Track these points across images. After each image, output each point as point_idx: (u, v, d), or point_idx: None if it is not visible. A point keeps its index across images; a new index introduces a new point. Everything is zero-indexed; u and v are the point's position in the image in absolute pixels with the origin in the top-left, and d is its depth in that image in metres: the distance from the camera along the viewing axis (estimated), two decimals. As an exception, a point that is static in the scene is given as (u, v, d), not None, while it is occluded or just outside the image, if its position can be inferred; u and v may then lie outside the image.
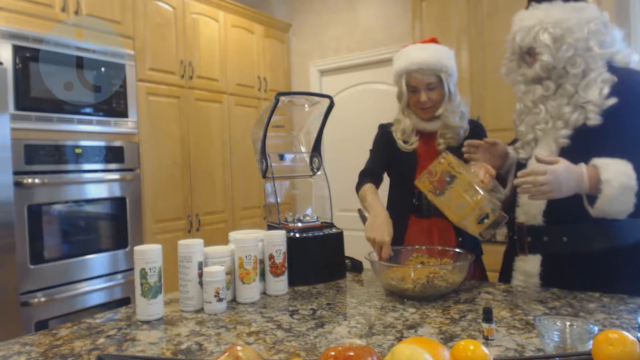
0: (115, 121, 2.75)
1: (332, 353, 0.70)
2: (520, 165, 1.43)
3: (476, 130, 1.71)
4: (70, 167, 2.53)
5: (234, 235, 1.40)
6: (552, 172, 1.14)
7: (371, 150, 1.85)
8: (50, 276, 2.42)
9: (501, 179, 1.52)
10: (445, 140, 1.66)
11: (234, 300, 1.32)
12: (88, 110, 2.61)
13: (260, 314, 1.20)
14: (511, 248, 1.48)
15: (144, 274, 1.16)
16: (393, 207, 1.74)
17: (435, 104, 1.63)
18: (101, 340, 1.03)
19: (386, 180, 1.82)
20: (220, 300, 1.21)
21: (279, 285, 1.39)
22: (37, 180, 2.35)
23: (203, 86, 3.37)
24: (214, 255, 1.30)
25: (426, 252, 1.47)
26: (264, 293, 1.39)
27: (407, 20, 3.53)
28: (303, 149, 1.82)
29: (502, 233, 2.49)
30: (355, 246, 1.93)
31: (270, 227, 1.60)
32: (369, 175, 1.77)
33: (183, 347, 0.98)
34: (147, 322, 1.15)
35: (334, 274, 1.53)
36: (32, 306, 2.32)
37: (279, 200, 1.61)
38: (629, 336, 0.74)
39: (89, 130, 2.62)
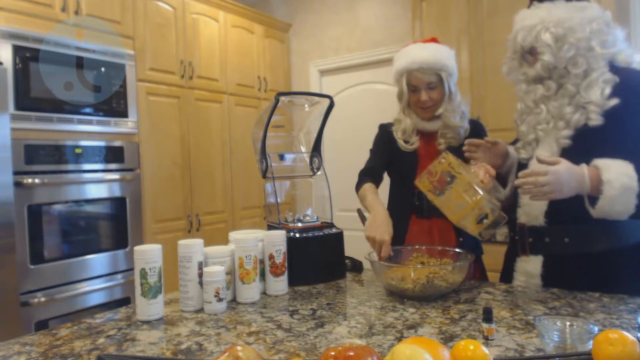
0: (115, 121, 2.75)
1: (332, 353, 0.70)
2: (522, 165, 1.43)
3: (476, 130, 1.71)
4: (70, 167, 2.53)
5: (234, 235, 1.40)
6: (553, 172, 1.14)
7: (371, 150, 1.85)
8: (50, 276, 2.42)
9: (501, 178, 1.52)
10: (445, 140, 1.66)
11: (234, 300, 1.32)
12: (88, 110, 2.61)
13: (260, 314, 1.20)
14: (512, 248, 1.48)
15: (144, 274, 1.16)
16: (393, 207, 1.74)
17: (436, 103, 1.63)
18: (101, 340, 1.03)
19: (386, 180, 1.82)
20: (220, 300, 1.21)
21: (279, 285, 1.39)
22: (37, 180, 2.35)
23: (203, 86, 3.37)
24: (214, 255, 1.30)
25: (426, 252, 1.47)
26: (264, 293, 1.39)
27: (407, 20, 3.53)
28: (303, 149, 1.82)
29: (502, 233, 2.49)
30: (355, 246, 1.93)
31: (270, 227, 1.60)
32: (369, 174, 1.77)
33: (183, 347, 0.98)
34: (147, 322, 1.15)
35: (334, 274, 1.53)
36: (32, 306, 2.32)
37: (279, 200, 1.61)
38: (629, 336, 0.74)
39: (89, 130, 2.62)
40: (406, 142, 1.70)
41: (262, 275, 1.40)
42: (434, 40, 1.70)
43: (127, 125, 2.82)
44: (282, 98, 1.60)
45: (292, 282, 1.44)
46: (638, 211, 1.19)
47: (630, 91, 1.24)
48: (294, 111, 1.83)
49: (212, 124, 3.45)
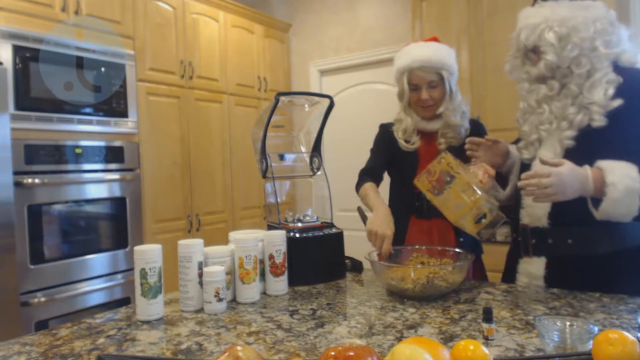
0: (115, 121, 2.75)
1: (332, 353, 0.70)
2: (524, 165, 1.42)
3: (477, 129, 1.71)
4: (70, 167, 2.53)
5: (234, 235, 1.40)
6: (556, 174, 1.13)
7: (372, 150, 1.85)
8: (50, 276, 2.42)
9: (502, 177, 1.52)
10: (446, 140, 1.66)
11: (234, 300, 1.32)
12: (88, 110, 2.61)
13: (260, 314, 1.20)
14: (515, 249, 1.47)
15: (144, 274, 1.16)
16: (393, 207, 1.73)
17: (437, 102, 1.64)
18: (101, 340, 1.03)
19: (386, 181, 1.82)
20: (220, 300, 1.21)
21: (279, 285, 1.39)
22: (37, 180, 2.35)
23: (203, 86, 3.37)
24: (214, 255, 1.30)
25: (426, 252, 1.47)
26: (264, 293, 1.39)
27: (407, 20, 3.53)
28: (303, 149, 1.82)
29: (502, 233, 2.49)
30: (355, 246, 1.93)
31: (270, 227, 1.60)
32: (369, 174, 1.77)
33: (183, 347, 0.98)
34: (147, 322, 1.15)
35: (334, 274, 1.53)
36: (32, 306, 2.32)
37: (279, 200, 1.61)
38: (629, 336, 0.74)
39: (89, 130, 2.62)
40: (407, 141, 1.70)
41: (262, 275, 1.40)
42: (434, 39, 1.70)
43: (127, 125, 2.82)
44: (282, 98, 1.59)
45: (292, 282, 1.44)
46: None
47: (634, 92, 1.23)
48: (294, 111, 1.83)
49: (212, 124, 3.45)
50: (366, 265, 1.51)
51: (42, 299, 2.36)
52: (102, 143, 2.68)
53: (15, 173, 2.26)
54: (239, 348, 0.74)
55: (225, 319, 1.16)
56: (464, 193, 1.31)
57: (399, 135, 1.72)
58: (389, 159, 1.76)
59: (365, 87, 3.91)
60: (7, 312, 2.14)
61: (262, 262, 1.39)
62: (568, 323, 0.87)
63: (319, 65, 4.09)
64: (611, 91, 1.24)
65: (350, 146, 3.85)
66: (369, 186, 1.69)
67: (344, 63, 3.96)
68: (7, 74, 2.22)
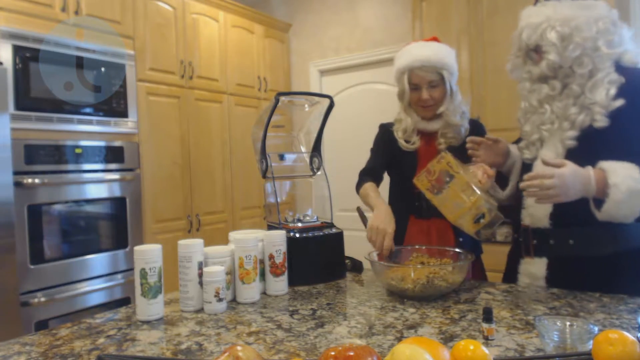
0: (115, 121, 2.75)
1: (332, 353, 0.70)
2: (525, 165, 1.42)
3: (476, 130, 1.71)
4: (70, 167, 2.53)
5: (234, 235, 1.40)
6: (559, 175, 1.13)
7: (372, 150, 1.85)
8: (50, 276, 2.42)
9: (503, 177, 1.52)
10: (446, 140, 1.66)
11: (234, 300, 1.32)
12: (88, 110, 2.61)
13: (260, 314, 1.20)
14: (516, 250, 1.47)
15: (144, 274, 1.16)
16: (393, 207, 1.73)
17: (437, 102, 1.64)
18: (101, 340, 1.03)
19: (385, 181, 1.82)
20: (220, 300, 1.21)
21: (279, 285, 1.39)
22: (37, 180, 2.35)
23: (203, 86, 3.37)
24: (214, 255, 1.30)
25: (426, 252, 1.47)
26: (264, 293, 1.39)
27: (407, 20, 3.53)
28: (303, 149, 1.82)
29: (502, 233, 2.49)
30: (355, 246, 1.93)
31: (270, 227, 1.60)
32: (369, 174, 1.77)
33: (183, 347, 0.98)
34: (147, 322, 1.15)
35: (334, 274, 1.53)
36: (32, 306, 2.32)
37: (279, 200, 1.61)
38: (629, 336, 0.74)
39: (89, 130, 2.62)
40: (407, 141, 1.70)
41: (262, 275, 1.40)
42: (435, 39, 1.70)
43: (127, 125, 2.82)
44: (282, 98, 1.59)
45: (292, 282, 1.44)
46: None
47: (636, 92, 1.23)
48: (294, 111, 1.83)
49: (212, 124, 3.45)
50: (366, 265, 1.51)
51: (42, 299, 2.36)
52: (102, 143, 2.68)
53: (15, 173, 2.26)
54: (239, 348, 0.74)
55: (225, 319, 1.16)
56: (463, 193, 1.31)
57: (398, 135, 1.72)
58: (389, 159, 1.76)
59: (365, 87, 3.91)
60: (7, 312, 2.14)
61: (262, 262, 1.39)
62: (568, 323, 0.87)
63: (319, 65, 4.09)
64: (613, 91, 1.23)
65: (350, 146, 3.85)
66: (369, 186, 1.69)
67: (344, 63, 3.96)
68: (7, 74, 2.22)
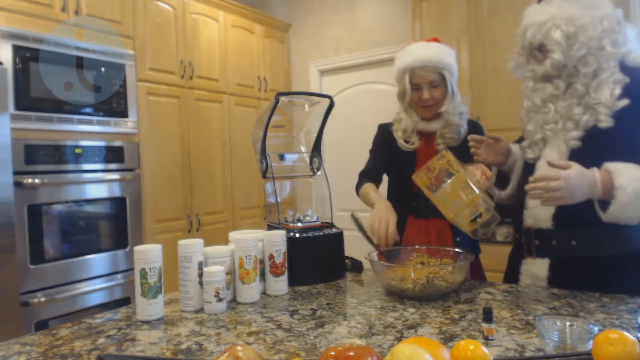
0: (115, 121, 2.75)
1: (332, 353, 0.70)
2: (527, 165, 1.41)
3: (475, 130, 1.71)
4: (70, 167, 2.53)
5: (234, 235, 1.40)
6: (565, 177, 1.11)
7: (371, 151, 1.85)
8: (50, 276, 2.41)
9: (503, 176, 1.52)
10: (444, 140, 1.67)
11: (234, 300, 1.32)
12: (88, 110, 2.61)
13: (260, 314, 1.20)
14: (517, 250, 1.46)
15: (144, 274, 1.16)
16: (392, 207, 1.75)
17: (437, 102, 1.64)
18: (101, 340, 1.03)
19: (384, 182, 1.82)
20: (220, 300, 1.21)
21: (279, 285, 1.39)
22: (37, 180, 2.35)
23: (203, 86, 3.37)
24: (214, 255, 1.30)
25: (426, 252, 1.47)
26: (264, 293, 1.39)
27: (407, 20, 3.53)
28: (303, 149, 1.82)
29: (502, 233, 2.49)
30: (355, 246, 1.93)
31: (270, 227, 1.60)
32: (368, 175, 1.78)
33: (183, 347, 0.98)
34: (147, 322, 1.15)
35: (334, 274, 1.53)
36: (32, 306, 2.32)
37: (279, 200, 1.61)
38: (629, 336, 0.74)
39: (89, 130, 2.62)
40: (406, 141, 1.70)
41: (262, 275, 1.40)
42: (435, 40, 1.70)
43: (127, 125, 2.82)
44: (282, 98, 1.59)
45: (292, 282, 1.44)
46: None
47: None
48: (294, 111, 1.83)
49: (212, 124, 3.45)
50: (366, 265, 1.51)
51: (42, 299, 2.36)
52: (102, 143, 2.68)
53: (15, 173, 2.26)
54: (239, 348, 0.74)
55: (225, 319, 1.16)
56: (462, 191, 1.32)
57: (398, 135, 1.72)
58: (388, 159, 1.76)
59: (365, 87, 3.91)
60: (7, 312, 2.14)
61: (262, 262, 1.39)
62: (568, 323, 0.87)
63: (319, 65, 4.09)
64: (617, 91, 1.22)
65: (350, 146, 3.85)
66: (368, 186, 1.71)
67: (344, 63, 3.96)
68: (7, 74, 2.22)
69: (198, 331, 1.08)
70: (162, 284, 1.20)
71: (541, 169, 1.32)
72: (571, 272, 1.31)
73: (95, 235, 2.66)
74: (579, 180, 1.13)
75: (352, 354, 0.69)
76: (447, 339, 0.98)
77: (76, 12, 2.58)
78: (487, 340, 0.95)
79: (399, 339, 0.97)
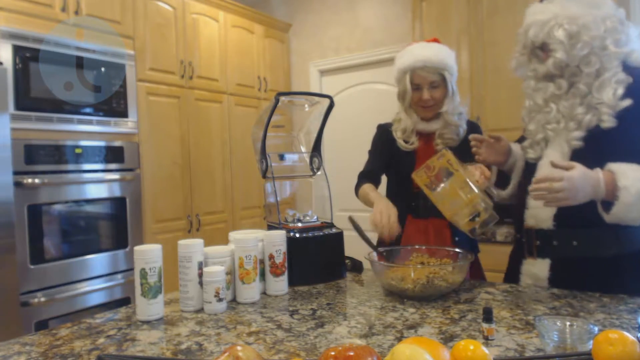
0: (115, 121, 2.75)
1: (332, 353, 0.70)
2: (529, 164, 1.41)
3: (474, 131, 1.71)
4: (70, 167, 2.53)
5: (234, 235, 1.40)
6: (568, 178, 1.11)
7: (370, 152, 1.85)
8: (50, 276, 2.41)
9: (504, 175, 1.52)
10: (443, 141, 1.67)
11: (234, 300, 1.32)
12: (88, 110, 2.61)
13: (260, 314, 1.20)
14: (518, 250, 1.46)
15: (144, 274, 1.16)
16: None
17: (437, 102, 1.64)
18: (101, 340, 1.03)
19: (383, 182, 1.82)
20: (220, 300, 1.21)
21: (279, 285, 1.39)
22: (37, 180, 2.35)
23: (203, 86, 3.37)
24: (214, 255, 1.30)
25: (426, 252, 1.48)
26: (264, 293, 1.39)
27: (407, 20, 3.53)
28: (303, 149, 1.82)
29: (502, 233, 2.49)
30: (355, 246, 1.93)
31: (270, 227, 1.60)
32: (368, 176, 1.78)
33: (183, 347, 0.98)
34: (147, 322, 1.15)
35: (334, 274, 1.53)
36: (32, 306, 2.32)
37: (279, 200, 1.61)
38: (629, 336, 0.74)
39: (89, 130, 2.62)
40: (406, 141, 1.71)
41: (262, 275, 1.40)
42: (435, 40, 1.71)
43: (127, 125, 2.82)
44: (282, 98, 1.59)
45: (292, 282, 1.44)
46: None
47: None
48: (294, 111, 1.83)
49: (212, 124, 3.45)
50: (366, 265, 1.51)
51: (42, 299, 2.36)
52: (102, 143, 2.68)
53: (15, 173, 2.26)
54: (239, 348, 0.74)
55: (225, 319, 1.16)
56: (461, 190, 1.32)
57: (397, 135, 1.72)
58: (388, 159, 1.77)
59: (365, 87, 3.91)
60: (7, 312, 2.14)
61: (262, 262, 1.39)
62: (568, 323, 0.87)
63: (319, 65, 4.09)
64: (620, 91, 1.21)
65: (350, 146, 3.85)
66: (367, 186, 1.71)
67: (344, 63, 3.96)
68: (7, 74, 2.22)
69: (198, 331, 1.08)
70: (162, 284, 1.20)
71: (543, 169, 1.31)
72: (572, 273, 1.31)
73: (95, 235, 2.66)
74: (583, 181, 1.13)
75: (352, 354, 0.69)
76: (447, 339, 0.98)
77: (76, 12, 2.58)
78: (487, 340, 0.95)
79: (399, 339, 0.97)
